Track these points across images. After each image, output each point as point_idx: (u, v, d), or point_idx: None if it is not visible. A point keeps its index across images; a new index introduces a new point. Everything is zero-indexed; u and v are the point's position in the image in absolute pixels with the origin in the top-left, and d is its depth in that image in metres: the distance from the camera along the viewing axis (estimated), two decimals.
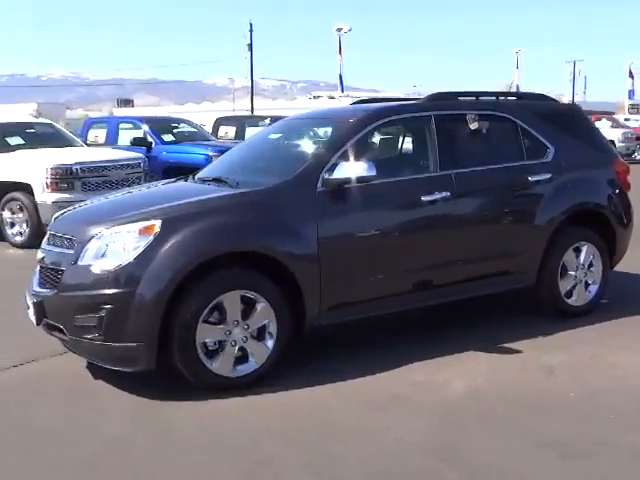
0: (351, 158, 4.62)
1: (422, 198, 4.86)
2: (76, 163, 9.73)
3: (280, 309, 4.34)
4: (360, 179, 4.49)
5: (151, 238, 4.06)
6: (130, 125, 13.52)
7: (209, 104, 67.91)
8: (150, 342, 4.04)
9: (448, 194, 4.94)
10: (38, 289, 4.52)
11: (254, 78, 54.23)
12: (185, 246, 4.10)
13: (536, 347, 4.97)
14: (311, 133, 5.35)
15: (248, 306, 4.26)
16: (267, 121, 16.19)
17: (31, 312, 4.52)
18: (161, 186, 5.48)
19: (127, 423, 3.90)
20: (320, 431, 3.75)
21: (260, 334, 4.33)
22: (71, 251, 4.26)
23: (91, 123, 14.53)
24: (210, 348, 4.19)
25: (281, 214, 4.42)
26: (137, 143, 12.43)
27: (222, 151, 12.28)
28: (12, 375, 4.70)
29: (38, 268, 4.68)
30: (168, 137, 12.89)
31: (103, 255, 4.13)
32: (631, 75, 55.24)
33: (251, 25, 50.80)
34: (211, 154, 12.03)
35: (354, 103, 6.07)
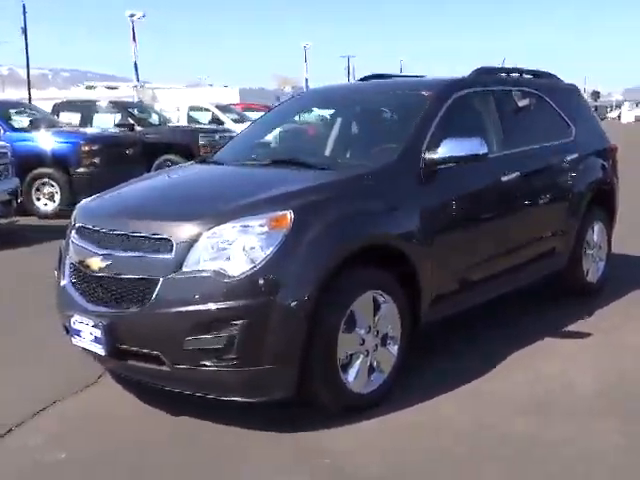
0: (443, 135, 4.12)
1: (502, 179, 4.53)
2: None
3: (403, 309, 3.75)
4: (470, 157, 4.01)
5: (285, 232, 3.24)
6: None
7: None
8: (293, 362, 3.24)
9: (518, 174, 4.66)
10: (99, 308, 3.44)
11: (12, 67, 49.76)
12: (324, 240, 3.34)
13: (599, 329, 4.84)
14: (378, 109, 4.70)
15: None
16: (104, 104, 14.77)
17: (88, 339, 3.45)
18: (205, 172, 4.48)
19: (289, 466, 3.10)
20: (506, 454, 3.23)
21: (383, 340, 3.71)
22: (166, 255, 3.27)
23: None
24: (342, 362, 3.49)
25: (396, 199, 3.81)
26: None
27: (90, 139, 10.90)
28: (67, 422, 3.57)
29: (83, 278, 3.58)
30: (18, 124, 11.08)
31: (222, 257, 3.22)
32: (401, 71, 59.70)
33: (24, 7, 46.04)
34: (81, 143, 10.58)
35: (362, 79, 5.49)
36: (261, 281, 3.16)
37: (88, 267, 3.51)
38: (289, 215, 3.28)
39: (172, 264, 3.24)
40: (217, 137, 13.44)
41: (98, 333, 3.38)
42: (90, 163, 10.62)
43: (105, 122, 13.80)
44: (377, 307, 3.63)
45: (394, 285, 3.69)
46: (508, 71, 5.29)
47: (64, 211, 10.42)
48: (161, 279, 3.24)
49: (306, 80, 51.99)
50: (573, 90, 5.89)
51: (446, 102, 4.33)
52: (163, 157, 13.05)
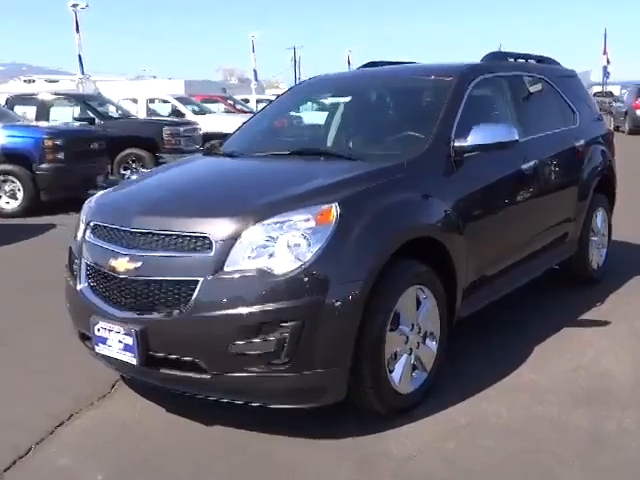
0: (468, 122, 3.98)
1: (522, 165, 4.43)
2: None
3: (442, 304, 3.61)
4: (500, 144, 3.88)
5: (331, 226, 3.04)
6: None
7: None
8: (345, 364, 3.06)
9: (537, 160, 4.57)
10: (128, 313, 3.17)
11: None
12: (372, 234, 3.16)
13: (616, 316, 4.80)
14: (398, 95, 4.50)
15: None
16: (61, 97, 14.19)
17: (116, 347, 3.19)
18: (224, 165, 4.21)
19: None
20: (572, 450, 3.13)
21: (424, 337, 3.56)
22: (204, 254, 3.03)
23: None
24: (388, 362, 3.31)
25: (431, 189, 3.65)
26: None
27: (54, 134, 10.40)
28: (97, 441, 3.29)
29: (105, 282, 3.31)
30: None
31: (267, 255, 3.00)
32: (349, 62, 59.94)
33: None
34: (44, 137, 10.09)
35: (363, 66, 5.30)
36: (310, 279, 2.96)
37: (113, 269, 3.23)
38: (334, 208, 3.08)
39: (212, 264, 3.01)
40: (182, 130, 13.08)
41: (130, 341, 3.12)
42: (54, 159, 10.13)
43: (63, 116, 13.26)
44: (418, 303, 3.47)
45: (434, 279, 3.54)
46: (515, 56, 5.18)
47: (28, 209, 9.97)
48: (200, 280, 3.00)
49: (254, 71, 51.33)
50: (573, 76, 5.83)
51: (468, 88, 4.19)
52: (126, 151, 12.61)
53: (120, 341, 3.16)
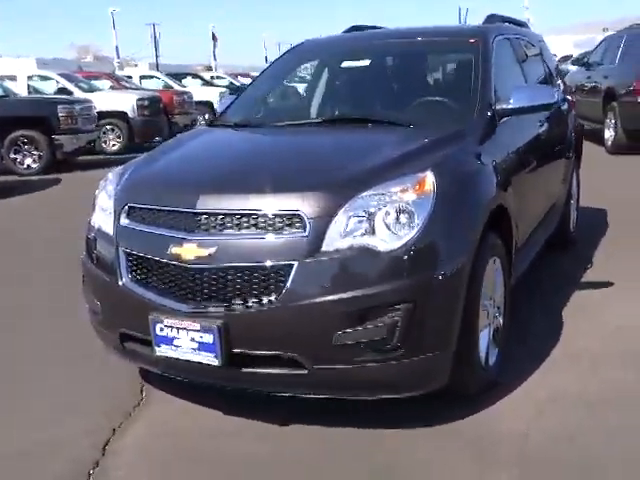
0: (498, 84, 3.84)
1: (540, 129, 4.35)
2: None
3: (506, 274, 3.45)
4: (541, 106, 3.75)
5: (432, 196, 2.76)
6: None
7: None
8: (452, 346, 2.82)
9: (547, 124, 4.51)
10: (201, 308, 2.74)
11: None
12: (467, 203, 2.96)
13: (614, 274, 4.82)
14: (424, 59, 4.19)
15: None
16: None
17: (188, 347, 2.76)
18: (256, 136, 3.77)
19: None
20: None
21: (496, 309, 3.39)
22: (297, 234, 2.66)
23: None
24: None
25: (488, 155, 3.44)
26: None
27: None
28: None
29: (163, 273, 2.85)
30: None
31: (368, 231, 2.68)
32: (214, 38, 58.51)
33: None
34: None
35: (347, 30, 4.94)
36: (417, 256, 2.67)
37: (178, 258, 2.77)
38: (430, 176, 2.81)
39: (307, 245, 2.65)
40: (78, 108, 12.08)
41: (209, 338, 2.70)
42: None
43: None
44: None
45: (502, 248, 3.36)
46: (503, 19, 5.07)
47: None
48: (295, 264, 2.63)
49: (116, 48, 48.98)
50: (543, 40, 5.84)
51: (493, 49, 4.03)
52: (16, 133, 11.49)
53: (194, 339, 2.74)
